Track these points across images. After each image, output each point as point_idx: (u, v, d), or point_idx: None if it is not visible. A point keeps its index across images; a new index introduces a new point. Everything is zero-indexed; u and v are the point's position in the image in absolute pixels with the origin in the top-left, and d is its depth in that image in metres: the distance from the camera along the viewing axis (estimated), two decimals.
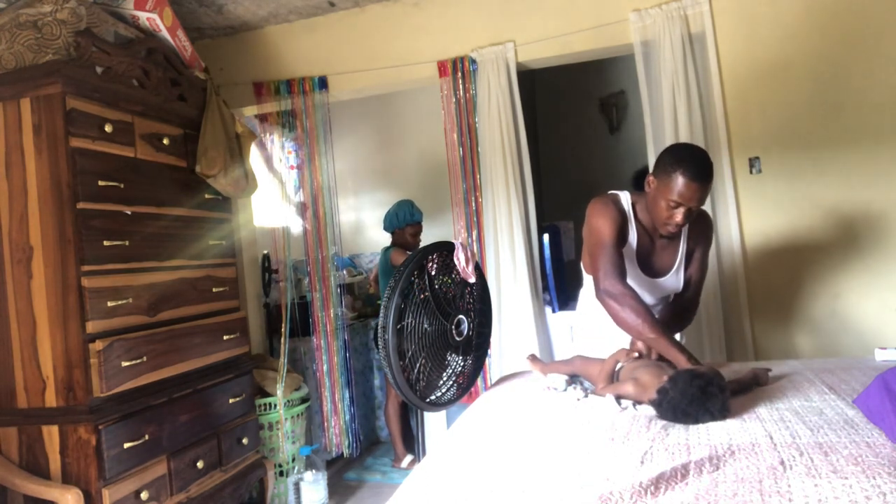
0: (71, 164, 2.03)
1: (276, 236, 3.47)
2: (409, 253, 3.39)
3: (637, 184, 2.78)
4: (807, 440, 1.24)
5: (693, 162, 1.72)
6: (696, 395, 1.41)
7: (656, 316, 2.05)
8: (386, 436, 4.01)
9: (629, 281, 1.83)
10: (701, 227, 1.97)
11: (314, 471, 2.89)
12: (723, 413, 1.42)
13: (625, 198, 1.93)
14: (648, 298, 1.99)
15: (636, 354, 1.76)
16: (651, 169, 1.90)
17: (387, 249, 3.59)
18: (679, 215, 1.74)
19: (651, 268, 1.95)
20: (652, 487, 1.08)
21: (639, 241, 1.91)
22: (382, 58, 3.22)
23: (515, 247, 2.98)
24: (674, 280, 1.97)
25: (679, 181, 1.70)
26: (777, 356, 2.64)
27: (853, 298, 2.61)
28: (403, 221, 3.56)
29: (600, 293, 1.79)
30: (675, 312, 1.99)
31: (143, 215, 2.30)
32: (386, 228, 3.66)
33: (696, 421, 1.41)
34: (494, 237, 3.03)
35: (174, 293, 2.42)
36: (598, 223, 1.86)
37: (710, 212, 2.69)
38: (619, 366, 1.75)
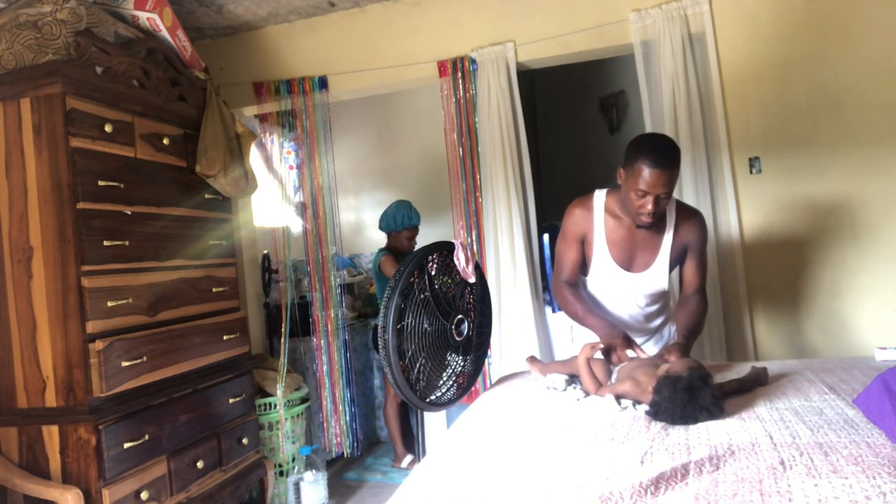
0: (71, 164, 2.03)
1: (276, 236, 3.47)
2: (399, 260, 3.39)
3: None
4: (807, 440, 1.24)
5: (655, 149, 1.74)
6: (686, 399, 1.41)
7: (660, 321, 2.07)
8: (386, 436, 4.01)
9: (603, 276, 1.97)
10: (688, 221, 1.95)
11: (314, 471, 2.89)
12: (717, 404, 1.42)
13: (599, 196, 1.98)
14: (629, 296, 1.98)
15: (601, 346, 1.79)
16: None
17: (380, 252, 3.57)
18: (648, 204, 1.76)
19: (630, 262, 1.95)
20: (652, 487, 1.08)
21: (612, 236, 1.94)
22: (382, 58, 3.22)
23: (515, 247, 2.98)
24: (655, 276, 1.94)
25: (643, 170, 1.73)
26: (777, 356, 2.64)
27: (853, 298, 2.61)
28: (401, 225, 3.53)
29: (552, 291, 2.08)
30: (689, 322, 1.90)
31: (143, 215, 2.30)
32: (382, 229, 3.65)
33: (697, 420, 1.41)
34: (494, 237, 3.03)
35: (174, 293, 2.42)
36: (562, 227, 2.03)
37: (709, 211, 2.70)
38: (615, 367, 1.76)
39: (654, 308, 2.03)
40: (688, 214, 1.97)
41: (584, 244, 1.98)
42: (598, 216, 1.95)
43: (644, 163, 1.72)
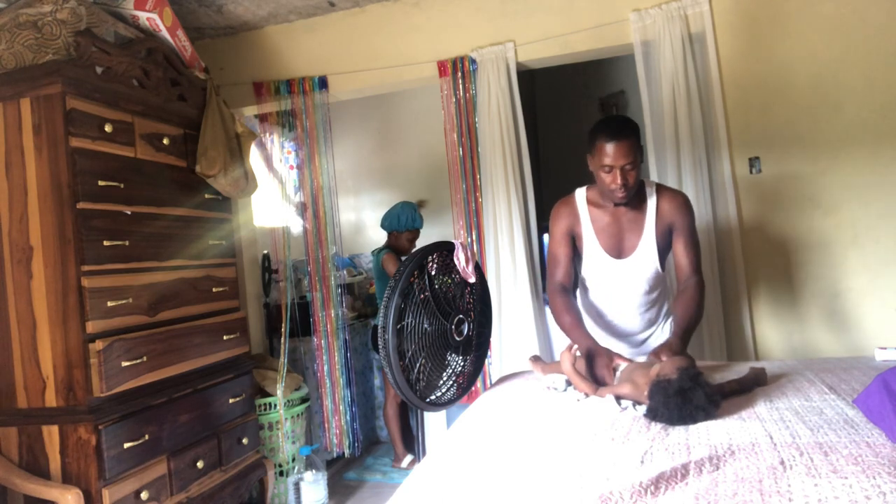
0: (71, 164, 2.03)
1: (276, 236, 3.47)
2: (401, 258, 3.40)
3: None
4: (807, 440, 1.24)
5: (609, 124, 1.86)
6: (680, 402, 1.41)
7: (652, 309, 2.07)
8: (386, 436, 4.01)
9: (596, 266, 2.02)
10: (670, 201, 1.97)
11: (314, 471, 2.89)
12: (711, 401, 1.42)
13: (579, 192, 2.05)
14: (625, 283, 1.99)
15: (576, 347, 1.79)
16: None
17: (379, 252, 3.58)
18: (617, 177, 1.83)
19: (619, 249, 1.98)
20: (652, 487, 1.08)
21: (598, 224, 1.99)
22: (382, 58, 3.22)
23: (515, 247, 2.98)
24: (644, 258, 1.95)
25: (603, 145, 1.83)
26: (777, 356, 2.64)
27: (853, 298, 2.61)
28: (405, 226, 3.55)
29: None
30: (683, 314, 1.86)
31: (143, 215, 2.30)
32: (384, 227, 3.65)
33: (695, 420, 1.41)
34: (494, 237, 3.03)
35: (174, 293, 2.42)
36: (550, 230, 2.07)
37: (710, 211, 2.70)
38: (620, 368, 1.75)
39: (654, 294, 2.03)
40: (670, 195, 1.99)
41: (574, 239, 2.03)
42: (582, 209, 2.01)
43: (601, 138, 1.83)
